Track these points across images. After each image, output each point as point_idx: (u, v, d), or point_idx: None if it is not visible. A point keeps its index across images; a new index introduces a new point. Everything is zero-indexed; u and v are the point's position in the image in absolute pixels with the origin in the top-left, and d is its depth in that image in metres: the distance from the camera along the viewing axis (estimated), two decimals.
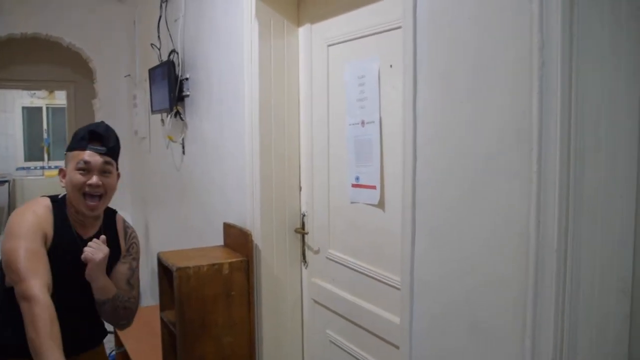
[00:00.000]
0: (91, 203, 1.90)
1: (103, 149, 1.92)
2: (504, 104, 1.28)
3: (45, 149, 10.02)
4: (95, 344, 2.11)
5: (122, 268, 2.06)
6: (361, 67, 2.09)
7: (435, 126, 1.48)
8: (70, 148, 1.94)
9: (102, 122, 2.03)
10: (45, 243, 1.84)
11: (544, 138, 1.17)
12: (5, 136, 9.62)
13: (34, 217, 1.86)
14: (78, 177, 1.88)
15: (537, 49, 1.17)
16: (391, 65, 1.93)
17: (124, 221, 2.14)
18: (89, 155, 1.89)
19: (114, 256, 2.01)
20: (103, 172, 1.91)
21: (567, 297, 1.16)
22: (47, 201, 1.95)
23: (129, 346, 3.33)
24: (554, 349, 1.18)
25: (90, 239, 1.94)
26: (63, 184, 1.94)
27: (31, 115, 9.92)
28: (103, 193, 1.92)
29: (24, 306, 1.68)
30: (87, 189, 1.89)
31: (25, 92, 9.54)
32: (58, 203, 1.95)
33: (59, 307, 1.72)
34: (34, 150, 10.00)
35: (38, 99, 9.80)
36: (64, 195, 1.97)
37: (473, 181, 1.37)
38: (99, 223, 2.02)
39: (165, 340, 2.70)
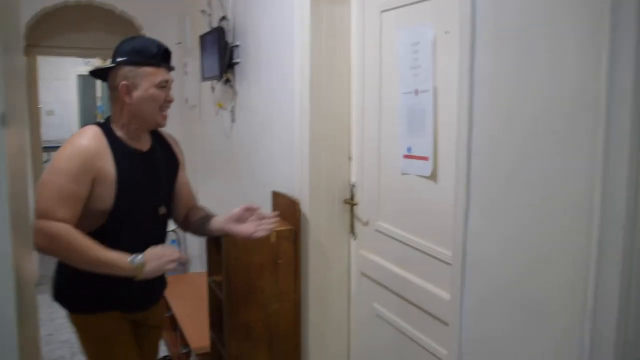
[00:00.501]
0: (165, 115, 2.02)
1: (173, 66, 2.04)
2: (571, 67, 1.19)
3: (98, 116, 10.24)
4: (161, 294, 2.23)
5: (183, 175, 2.21)
6: (415, 33, 2.01)
7: (494, 93, 1.41)
8: (141, 63, 1.93)
9: (155, 39, 2.04)
10: (98, 179, 1.86)
11: (613, 102, 1.09)
12: (61, 103, 9.87)
13: (85, 153, 1.85)
14: (159, 93, 1.96)
15: (608, 9, 1.08)
16: (447, 32, 1.85)
17: (167, 132, 2.21)
18: (167, 74, 1.99)
19: (176, 164, 2.17)
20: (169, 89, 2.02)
21: (634, 277, 1.09)
22: (95, 127, 1.94)
23: (176, 310, 3.39)
24: (617, 333, 1.12)
25: (148, 152, 2.03)
26: (128, 100, 1.93)
27: (85, 83, 10.13)
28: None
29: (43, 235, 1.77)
30: (165, 106, 1.99)
31: (80, 60, 9.72)
32: (105, 126, 1.96)
33: (135, 243, 1.88)
34: (88, 118, 10.23)
35: (93, 67, 9.99)
36: (107, 118, 2.00)
37: (532, 150, 1.30)
38: (149, 136, 2.08)
39: (212, 305, 2.73)
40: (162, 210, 2.08)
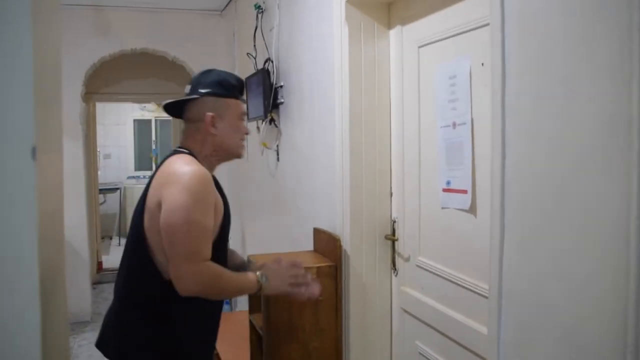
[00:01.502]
0: (244, 146, 2.04)
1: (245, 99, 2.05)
2: (599, 94, 1.17)
3: (153, 158, 10.55)
4: None
5: None
6: (452, 67, 2.02)
7: (524, 122, 1.39)
8: (225, 94, 1.94)
9: (231, 72, 2.07)
10: (216, 206, 1.82)
11: None
12: (118, 147, 10.24)
13: (207, 181, 1.79)
14: (241, 125, 1.99)
15: (637, 29, 1.06)
16: (483, 64, 1.85)
17: None
18: (245, 107, 2.03)
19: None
20: None
21: None
22: (192, 157, 1.87)
23: (220, 348, 3.40)
24: None
25: (216, 181, 1.97)
26: (213, 131, 1.90)
27: (141, 127, 10.49)
28: None
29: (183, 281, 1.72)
30: (244, 137, 2.01)
31: (136, 106, 10.11)
32: (193, 156, 1.89)
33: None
34: (143, 160, 10.56)
35: (148, 112, 10.35)
36: (188, 148, 1.92)
37: (564, 180, 1.27)
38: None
39: (253, 343, 2.73)
40: None
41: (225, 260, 1.96)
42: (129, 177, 10.24)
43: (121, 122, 10.26)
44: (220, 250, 1.88)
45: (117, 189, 9.53)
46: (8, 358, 0.76)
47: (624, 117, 1.12)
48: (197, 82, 1.96)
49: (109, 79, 6.77)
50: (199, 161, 1.87)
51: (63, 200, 1.30)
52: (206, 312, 1.91)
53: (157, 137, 10.51)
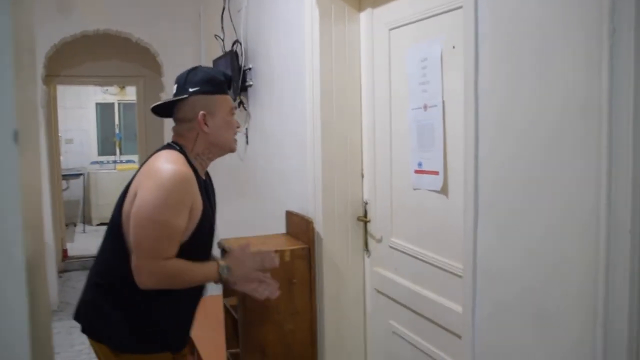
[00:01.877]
0: (236, 140, 2.03)
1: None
2: (570, 77, 1.21)
3: (117, 143, 10.38)
4: None
5: None
6: (423, 49, 2.04)
7: (497, 105, 1.42)
8: (214, 91, 1.93)
9: (216, 68, 2.06)
10: (192, 208, 1.82)
11: (615, 111, 1.09)
12: (80, 131, 10.03)
13: (185, 182, 1.79)
14: (232, 120, 1.98)
15: (607, 14, 1.09)
16: (454, 47, 1.87)
17: None
18: (232, 101, 2.01)
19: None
20: None
21: None
22: (178, 153, 1.88)
23: (194, 333, 3.39)
24: (629, 337, 1.11)
25: (206, 182, 1.99)
26: (206, 129, 1.90)
27: (104, 111, 10.29)
28: None
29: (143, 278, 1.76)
30: (236, 130, 2.01)
31: (98, 89, 9.91)
32: (184, 154, 1.90)
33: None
34: (106, 145, 10.38)
35: (110, 95, 10.16)
36: (180, 145, 1.92)
37: (537, 161, 1.31)
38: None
39: (228, 327, 2.73)
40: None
41: (204, 254, 1.97)
42: (92, 163, 10.05)
43: (83, 105, 10.05)
44: (193, 252, 1.87)
45: (81, 174, 9.35)
46: None
47: (594, 102, 1.15)
48: (185, 81, 1.94)
49: (70, 61, 6.61)
50: (190, 159, 1.90)
51: (41, 186, 1.28)
52: (181, 295, 1.92)
53: (120, 121, 10.33)
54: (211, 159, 2.00)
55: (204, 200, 1.87)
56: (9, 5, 0.71)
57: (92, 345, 1.96)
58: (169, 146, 1.92)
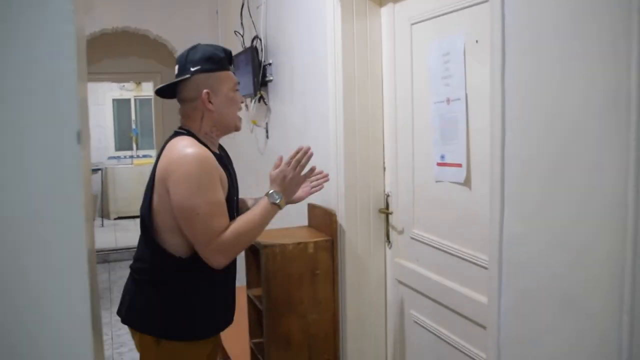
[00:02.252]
0: (241, 118, 2.06)
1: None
2: (598, 68, 1.23)
3: (133, 139, 10.48)
4: None
5: None
6: (446, 44, 2.07)
7: (523, 98, 1.45)
8: (216, 68, 1.95)
9: (215, 44, 2.08)
10: (221, 180, 1.88)
11: None
12: (97, 127, 10.14)
13: (208, 162, 1.84)
14: (236, 96, 2.00)
15: (637, 9, 1.12)
16: (477, 41, 1.90)
17: None
18: (235, 77, 2.02)
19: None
20: None
21: None
22: (190, 138, 1.91)
23: None
24: None
25: (221, 157, 2.02)
26: (211, 107, 1.93)
27: (120, 107, 10.40)
28: None
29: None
30: (240, 107, 2.04)
31: (115, 85, 10.01)
32: (193, 135, 1.94)
33: None
34: (123, 141, 10.49)
35: (127, 91, 10.26)
36: (187, 129, 1.96)
37: (563, 152, 1.34)
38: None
39: (251, 317, 2.79)
40: None
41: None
42: (109, 158, 10.17)
43: (100, 102, 10.15)
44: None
45: (99, 169, 9.47)
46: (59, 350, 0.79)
47: (623, 90, 1.17)
48: (185, 60, 1.96)
49: (88, 58, 6.70)
50: (199, 139, 1.93)
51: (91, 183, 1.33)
52: (215, 283, 1.98)
53: (137, 116, 10.43)
54: (219, 137, 2.03)
55: (226, 172, 1.94)
56: (73, 14, 0.75)
57: (133, 337, 2.01)
58: (177, 133, 1.96)
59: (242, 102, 2.05)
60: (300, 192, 2.12)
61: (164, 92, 2.05)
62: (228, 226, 1.84)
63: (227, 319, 2.09)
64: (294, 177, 1.98)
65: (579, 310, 1.33)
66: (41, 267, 0.77)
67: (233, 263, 2.06)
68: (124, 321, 2.01)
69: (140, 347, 1.98)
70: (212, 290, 1.99)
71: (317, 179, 2.22)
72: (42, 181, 0.77)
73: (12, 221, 0.76)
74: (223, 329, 2.08)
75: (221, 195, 1.86)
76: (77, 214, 0.79)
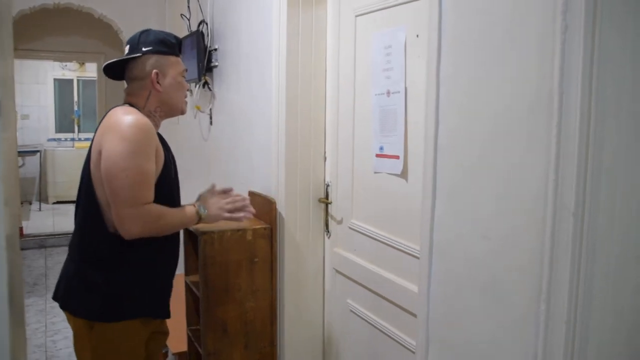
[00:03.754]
0: (187, 102, 2.10)
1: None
2: (525, 68, 1.28)
3: (75, 120, 10.19)
4: None
5: None
6: (388, 37, 2.09)
7: (457, 92, 1.49)
8: (167, 52, 2.00)
9: (168, 32, 2.12)
10: (157, 154, 1.89)
11: (565, 102, 1.18)
12: (37, 107, 9.81)
13: (147, 128, 1.86)
14: (183, 81, 2.05)
15: (560, 12, 1.17)
16: (417, 35, 1.94)
17: None
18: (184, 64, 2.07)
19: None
20: None
21: (582, 261, 1.17)
22: (134, 109, 1.94)
23: None
24: (568, 313, 1.20)
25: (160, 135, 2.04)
26: (158, 88, 1.97)
27: (62, 87, 10.07)
28: None
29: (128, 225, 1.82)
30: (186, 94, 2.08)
31: (57, 64, 9.69)
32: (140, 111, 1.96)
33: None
34: (64, 122, 10.18)
35: (69, 71, 9.95)
36: (132, 104, 1.98)
37: (490, 144, 1.39)
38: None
39: (189, 304, 2.77)
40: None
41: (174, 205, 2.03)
42: (49, 140, 9.85)
43: (41, 81, 9.82)
44: (165, 196, 1.94)
45: (37, 151, 9.17)
46: None
47: (546, 92, 1.23)
48: (137, 41, 2.00)
49: (28, 34, 6.47)
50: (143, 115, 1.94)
51: (17, 162, 1.30)
52: (157, 258, 1.98)
53: (79, 97, 10.14)
54: (162, 118, 2.06)
55: (164, 150, 1.96)
56: None
57: (69, 321, 1.98)
58: (120, 105, 1.98)
59: (188, 90, 2.09)
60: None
61: (112, 71, 2.05)
62: (151, 202, 1.85)
63: (162, 303, 2.07)
64: (223, 204, 2.09)
65: (500, 297, 1.38)
66: None
67: (175, 248, 2.06)
68: (62, 306, 1.98)
69: (75, 332, 1.95)
70: (153, 270, 1.98)
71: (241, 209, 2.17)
72: None
73: None
74: (158, 313, 2.05)
75: (152, 167, 1.86)
76: None
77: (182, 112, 2.09)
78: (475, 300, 1.46)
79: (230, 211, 2.09)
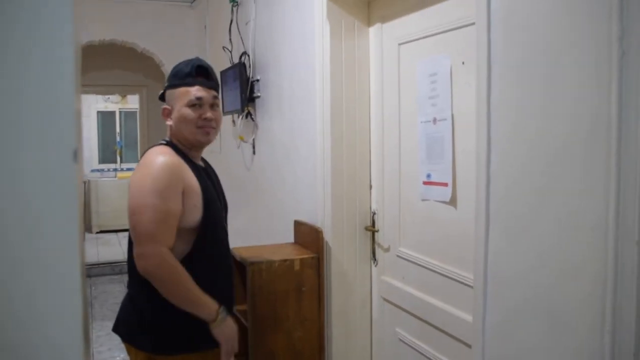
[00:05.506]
0: (208, 131, 1.96)
1: (211, 82, 2.00)
2: (582, 94, 1.27)
3: (117, 151, 10.43)
4: None
5: None
6: (433, 64, 2.10)
7: (509, 119, 1.48)
8: (174, 85, 1.97)
9: (199, 58, 2.07)
10: (187, 192, 1.84)
11: (624, 128, 1.16)
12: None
13: (170, 167, 1.83)
14: (190, 113, 1.93)
15: (616, 38, 1.16)
16: (463, 62, 1.94)
17: None
18: (199, 91, 1.94)
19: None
20: (212, 105, 1.98)
21: None
22: (164, 146, 1.94)
23: None
24: (635, 345, 1.16)
25: (204, 169, 2.04)
26: (170, 122, 1.97)
27: (105, 119, 10.35)
28: (215, 126, 1.99)
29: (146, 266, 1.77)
30: (200, 123, 1.94)
31: (100, 97, 9.97)
32: (170, 144, 1.95)
33: (222, 256, 1.98)
34: (107, 153, 10.42)
35: (112, 103, 10.22)
36: (168, 140, 1.98)
37: (547, 173, 1.37)
38: (200, 153, 2.08)
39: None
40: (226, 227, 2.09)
41: (222, 242, 2.01)
42: (92, 170, 10.09)
43: (84, 113, 10.09)
44: (209, 232, 1.91)
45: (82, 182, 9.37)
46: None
47: (604, 118, 1.21)
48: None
49: None
50: (180, 149, 1.95)
51: (83, 199, 1.33)
52: (212, 290, 1.91)
53: (121, 129, 10.38)
54: (190, 149, 2.00)
55: (202, 183, 1.91)
56: (72, 26, 0.75)
57: (128, 353, 1.97)
58: (158, 143, 1.99)
59: (205, 119, 1.95)
60: None
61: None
62: (171, 244, 1.79)
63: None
64: (233, 344, 1.94)
65: (562, 329, 1.35)
66: (38, 284, 0.77)
67: (228, 276, 2.04)
68: (123, 339, 1.97)
69: None
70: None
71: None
72: (39, 198, 0.77)
73: (11, 238, 0.75)
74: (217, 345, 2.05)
75: (176, 207, 1.81)
76: (72, 231, 0.79)
77: (198, 143, 1.99)
78: (535, 332, 1.43)
79: (232, 347, 1.95)
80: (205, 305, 1.84)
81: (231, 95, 3.69)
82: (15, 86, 0.74)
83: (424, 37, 2.17)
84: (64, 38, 0.74)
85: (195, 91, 1.94)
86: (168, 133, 2.01)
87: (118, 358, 4.38)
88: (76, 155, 0.76)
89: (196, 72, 1.96)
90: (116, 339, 2.06)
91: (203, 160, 2.12)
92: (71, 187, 0.76)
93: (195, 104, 1.94)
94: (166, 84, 2.02)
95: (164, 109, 1.99)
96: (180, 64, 2.02)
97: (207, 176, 2.02)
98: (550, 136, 1.36)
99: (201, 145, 2.02)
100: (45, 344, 0.77)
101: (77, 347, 0.79)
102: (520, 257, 1.46)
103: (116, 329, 2.00)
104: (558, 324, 1.36)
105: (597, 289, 1.24)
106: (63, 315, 0.78)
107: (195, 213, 1.87)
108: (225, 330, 1.90)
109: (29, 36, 0.73)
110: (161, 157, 1.86)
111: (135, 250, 1.80)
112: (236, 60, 3.71)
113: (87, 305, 0.90)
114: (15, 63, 0.73)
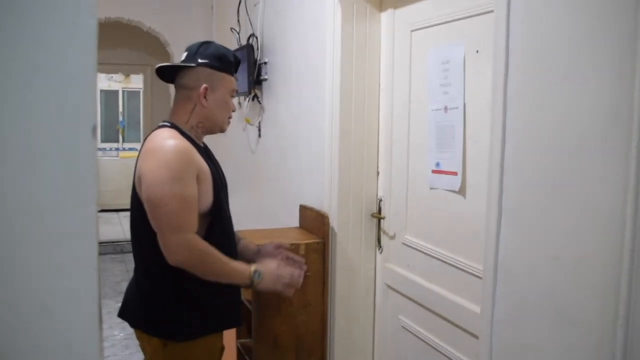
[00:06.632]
0: (230, 122, 2.06)
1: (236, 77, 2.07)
2: (602, 86, 1.25)
3: (120, 131, 10.40)
4: None
5: None
6: (445, 52, 2.08)
7: (526, 110, 1.46)
8: (222, 69, 1.96)
9: (229, 49, 2.08)
10: (200, 176, 1.84)
11: None
12: None
13: (183, 152, 1.81)
14: (230, 101, 2.02)
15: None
16: (477, 51, 1.91)
17: None
18: (236, 85, 2.04)
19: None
20: None
21: None
22: (170, 129, 1.90)
23: None
24: None
25: (206, 151, 2.05)
26: (204, 103, 1.92)
27: (108, 98, 10.31)
28: None
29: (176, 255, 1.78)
30: (231, 114, 2.05)
31: (103, 76, 9.93)
32: (175, 127, 1.92)
33: (230, 239, 2.00)
34: (109, 132, 10.40)
35: (115, 82, 10.18)
36: (172, 122, 1.94)
37: (563, 165, 1.35)
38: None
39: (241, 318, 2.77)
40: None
41: (229, 224, 2.02)
42: None
43: None
44: (219, 215, 1.92)
45: None
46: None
47: (626, 109, 1.19)
48: (196, 51, 1.96)
49: None
50: (184, 132, 1.92)
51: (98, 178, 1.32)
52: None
53: (124, 108, 10.35)
54: (204, 133, 2.01)
55: (209, 166, 1.91)
56: (95, 8, 0.74)
57: (139, 339, 1.97)
58: (161, 126, 1.95)
59: (233, 110, 2.04)
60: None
61: (163, 73, 2.02)
62: (195, 229, 1.81)
63: (235, 316, 2.06)
64: (277, 282, 1.98)
65: (573, 323, 1.34)
66: (58, 259, 0.76)
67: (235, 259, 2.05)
68: (133, 325, 1.97)
69: (148, 350, 1.92)
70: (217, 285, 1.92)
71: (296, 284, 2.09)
72: (58, 175, 0.76)
73: (32, 214, 0.75)
74: (231, 325, 2.07)
75: (194, 191, 1.81)
76: (91, 209, 0.79)
77: (222, 131, 2.05)
78: (545, 325, 1.42)
79: (285, 285, 2.01)
80: (240, 272, 1.89)
81: (239, 77, 3.66)
82: (35, 60, 0.73)
83: (437, 24, 2.15)
84: (87, 9, 0.73)
85: (236, 84, 2.03)
86: (184, 111, 1.95)
87: (118, 336, 4.40)
88: (94, 131, 0.76)
89: (236, 64, 2.04)
90: (116, 316, 2.06)
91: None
92: (90, 163, 0.75)
93: (234, 95, 2.02)
94: (205, 61, 1.93)
95: (205, 87, 1.92)
96: (220, 47, 2.00)
97: (208, 157, 2.01)
98: (568, 129, 1.34)
99: (218, 133, 2.06)
100: (61, 319, 0.77)
101: (92, 325, 0.79)
102: (532, 250, 1.45)
103: (124, 315, 2.00)
104: (569, 318, 1.35)
105: (611, 284, 1.23)
106: (79, 292, 0.77)
107: (208, 197, 1.88)
108: (269, 283, 1.95)
109: (50, 7, 0.72)
110: (171, 140, 1.83)
111: (161, 242, 1.78)
112: (244, 42, 3.68)
113: (100, 287, 0.89)
114: (35, 36, 0.72)
